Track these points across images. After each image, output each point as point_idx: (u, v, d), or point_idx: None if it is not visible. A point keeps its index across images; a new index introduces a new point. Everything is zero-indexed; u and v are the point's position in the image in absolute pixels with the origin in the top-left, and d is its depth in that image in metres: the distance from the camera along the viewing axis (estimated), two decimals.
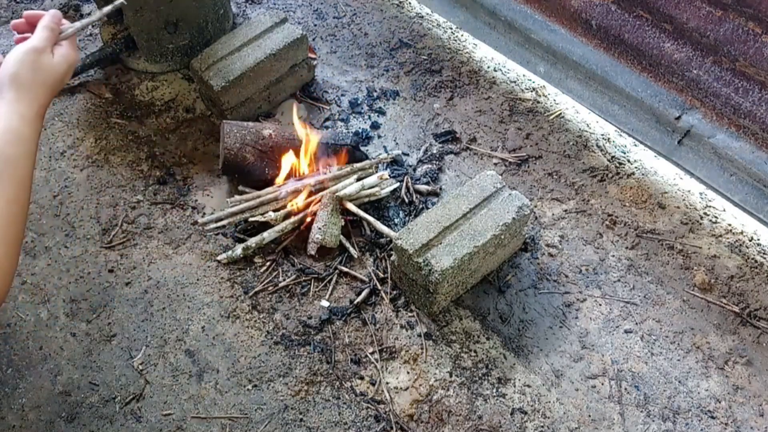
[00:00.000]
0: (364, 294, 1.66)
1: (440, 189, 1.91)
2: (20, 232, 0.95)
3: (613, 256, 1.78)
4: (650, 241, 1.81)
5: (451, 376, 1.55)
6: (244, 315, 1.64)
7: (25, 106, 0.98)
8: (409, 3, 2.46)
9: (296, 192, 1.78)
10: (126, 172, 1.92)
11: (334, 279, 1.71)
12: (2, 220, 0.90)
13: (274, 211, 1.75)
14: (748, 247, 1.79)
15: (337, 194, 1.76)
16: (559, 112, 2.11)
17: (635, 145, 2.02)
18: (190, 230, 1.80)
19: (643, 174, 1.96)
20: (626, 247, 1.79)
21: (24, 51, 1.03)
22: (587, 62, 1.96)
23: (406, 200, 1.86)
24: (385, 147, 2.00)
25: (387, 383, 1.54)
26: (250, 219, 1.75)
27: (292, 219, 1.76)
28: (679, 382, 1.56)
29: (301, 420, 1.48)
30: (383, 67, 2.23)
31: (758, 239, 1.81)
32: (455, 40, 2.33)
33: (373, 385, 1.54)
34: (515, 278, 1.73)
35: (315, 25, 2.36)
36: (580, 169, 1.97)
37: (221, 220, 1.77)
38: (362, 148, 1.96)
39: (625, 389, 1.55)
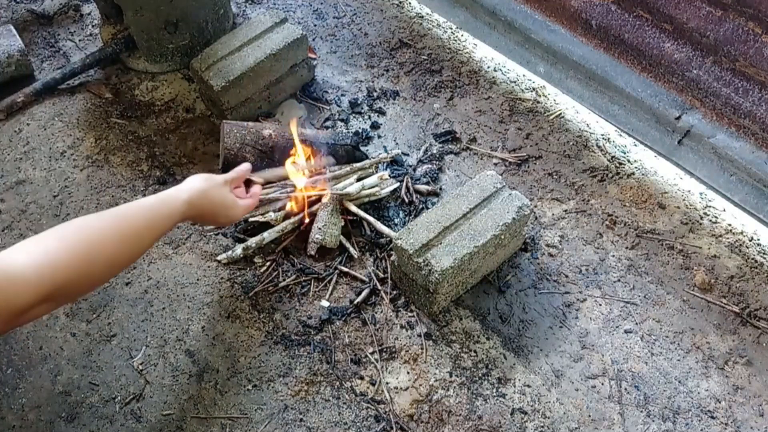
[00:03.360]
0: (364, 294, 1.66)
1: (440, 189, 1.91)
2: (104, 276, 1.18)
3: (613, 256, 1.78)
4: (650, 241, 1.81)
5: (451, 376, 1.55)
6: (244, 315, 1.64)
7: (178, 209, 1.30)
8: (409, 3, 2.46)
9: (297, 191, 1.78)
10: (126, 172, 1.92)
11: (334, 279, 1.71)
12: (104, 255, 1.15)
13: (274, 211, 1.75)
14: (748, 247, 1.79)
15: (337, 194, 1.76)
16: (559, 112, 2.11)
17: (635, 145, 2.02)
18: (190, 230, 1.80)
19: (643, 174, 1.96)
20: (626, 247, 1.79)
21: (205, 178, 1.40)
22: (587, 62, 1.96)
23: (406, 200, 1.86)
24: (385, 147, 2.00)
25: (387, 383, 1.54)
26: (251, 219, 1.75)
27: (293, 219, 1.76)
28: (679, 382, 1.56)
29: (301, 420, 1.48)
30: (383, 67, 2.23)
31: (758, 239, 1.81)
32: (455, 40, 2.33)
33: (373, 385, 1.54)
34: (515, 278, 1.73)
35: (315, 25, 2.37)
36: (580, 169, 1.97)
37: None
38: (362, 148, 1.96)
39: (625, 389, 1.55)
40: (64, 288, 1.06)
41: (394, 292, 1.69)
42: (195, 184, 1.37)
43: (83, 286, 1.14)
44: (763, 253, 1.78)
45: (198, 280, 1.70)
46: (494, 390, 1.54)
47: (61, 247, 1.07)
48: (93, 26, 2.34)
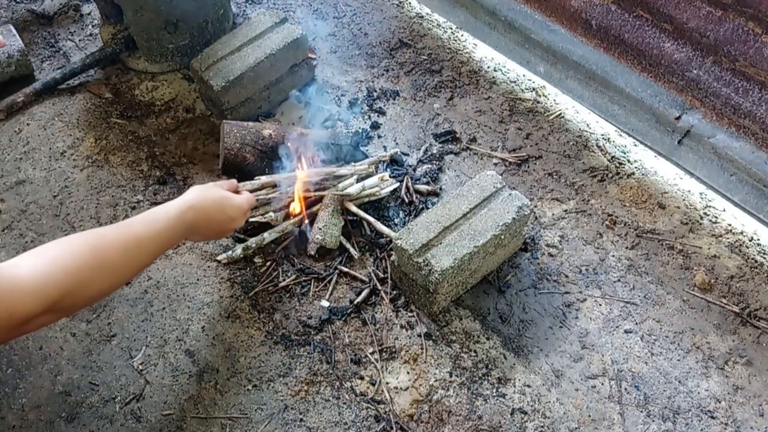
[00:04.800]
0: (364, 294, 1.66)
1: (440, 189, 1.91)
2: (109, 285, 1.19)
3: (613, 256, 1.78)
4: (650, 241, 1.81)
5: (451, 376, 1.55)
6: (244, 315, 1.64)
7: (179, 215, 1.33)
8: (409, 3, 2.46)
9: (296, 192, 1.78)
10: (126, 172, 1.92)
11: (334, 279, 1.71)
12: (104, 270, 1.15)
13: (275, 211, 1.75)
14: (748, 247, 1.79)
15: (337, 195, 1.76)
16: (559, 112, 2.11)
17: (635, 145, 2.02)
18: None
19: (643, 174, 1.96)
20: (626, 247, 1.79)
21: (202, 186, 1.46)
22: (587, 62, 1.96)
23: (406, 200, 1.86)
24: (385, 147, 2.00)
25: (387, 383, 1.54)
26: (251, 219, 1.75)
27: (293, 219, 1.76)
28: (679, 382, 1.56)
29: (301, 420, 1.49)
30: (383, 67, 2.23)
31: (758, 239, 1.81)
32: (455, 40, 2.33)
33: (373, 385, 1.54)
34: (515, 278, 1.73)
35: (315, 25, 2.36)
36: (580, 169, 1.97)
37: None
38: (362, 148, 1.96)
39: (625, 389, 1.55)
40: (66, 298, 1.07)
41: (394, 292, 1.69)
42: (192, 190, 1.40)
43: (86, 298, 1.14)
44: (763, 253, 1.78)
45: (198, 280, 1.70)
46: (494, 390, 1.54)
47: (65, 258, 1.08)
48: (93, 26, 2.34)
